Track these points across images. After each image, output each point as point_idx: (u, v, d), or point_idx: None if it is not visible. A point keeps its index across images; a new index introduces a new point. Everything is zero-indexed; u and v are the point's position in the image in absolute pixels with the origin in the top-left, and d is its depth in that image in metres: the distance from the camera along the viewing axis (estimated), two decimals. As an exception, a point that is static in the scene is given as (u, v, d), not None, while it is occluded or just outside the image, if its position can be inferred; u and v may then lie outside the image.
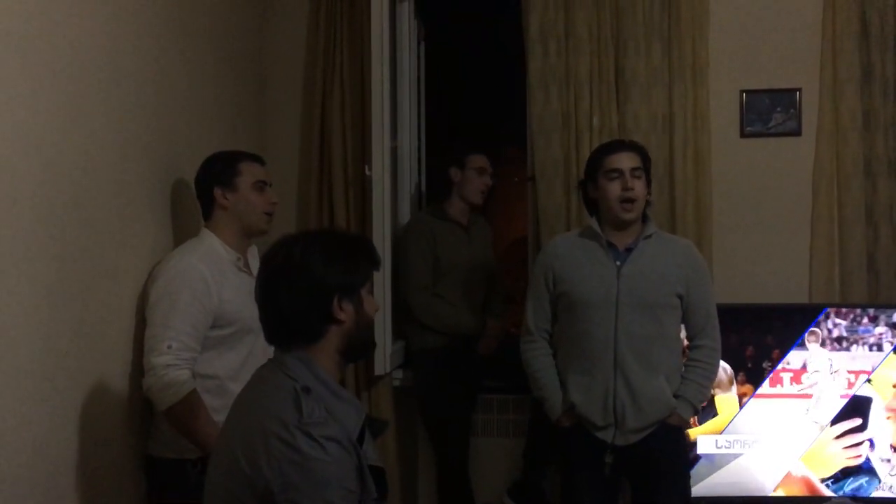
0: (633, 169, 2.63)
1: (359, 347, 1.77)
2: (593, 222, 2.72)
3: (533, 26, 3.47)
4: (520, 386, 3.02)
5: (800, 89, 3.44)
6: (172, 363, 2.24)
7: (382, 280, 3.25)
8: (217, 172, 2.49)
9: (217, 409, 2.28)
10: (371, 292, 1.77)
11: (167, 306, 2.28)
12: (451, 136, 4.48)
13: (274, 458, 1.55)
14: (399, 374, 3.52)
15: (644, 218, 2.70)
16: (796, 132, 3.45)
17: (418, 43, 3.88)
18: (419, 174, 3.87)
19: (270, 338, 1.72)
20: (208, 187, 2.49)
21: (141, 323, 2.37)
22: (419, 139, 3.92)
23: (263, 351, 2.40)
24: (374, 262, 1.77)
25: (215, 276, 2.35)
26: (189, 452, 2.29)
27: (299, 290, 1.66)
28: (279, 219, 3.49)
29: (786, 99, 3.45)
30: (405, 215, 3.64)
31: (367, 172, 3.25)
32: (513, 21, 3.60)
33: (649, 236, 2.68)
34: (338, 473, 1.57)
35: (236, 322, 2.38)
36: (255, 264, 2.57)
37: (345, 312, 1.69)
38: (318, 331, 1.68)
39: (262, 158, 2.61)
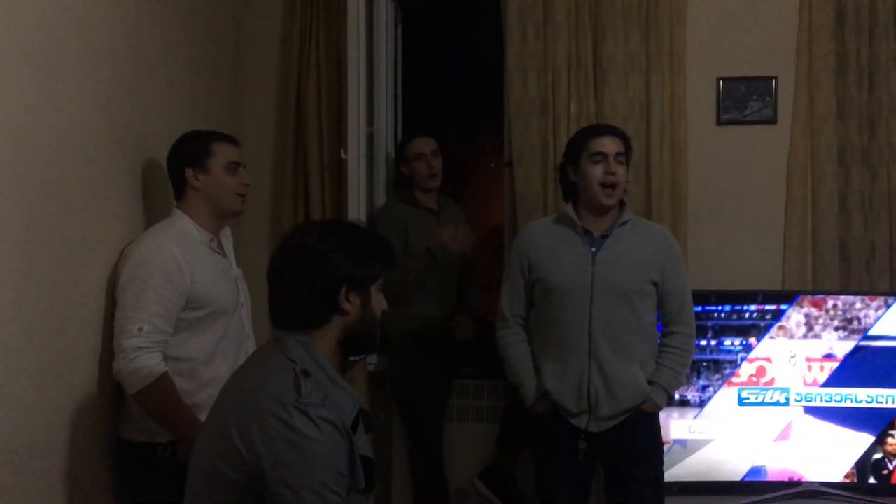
0: (617, 154, 2.63)
1: (359, 342, 1.77)
2: (569, 208, 2.72)
3: (512, 10, 3.45)
4: (495, 372, 3.02)
5: (776, 77, 3.45)
6: (143, 346, 2.21)
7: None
8: (189, 153, 2.44)
9: (189, 392, 2.26)
10: (381, 291, 1.77)
11: (138, 288, 2.25)
12: (433, 122, 4.47)
13: (268, 436, 1.55)
14: (374, 358, 3.51)
15: (621, 204, 2.71)
16: (772, 120, 3.46)
17: (395, 26, 3.85)
18: (397, 159, 3.84)
19: (274, 318, 1.73)
20: (180, 168, 2.44)
21: (111, 305, 2.34)
22: (396, 124, 3.90)
23: (238, 333, 2.40)
24: (389, 263, 1.78)
25: (187, 258, 2.32)
26: (159, 436, 2.27)
27: (309, 274, 1.68)
28: (253, 201, 3.46)
29: (762, 87, 3.46)
30: (381, 200, 3.61)
31: (343, 156, 3.23)
32: (492, 4, 3.57)
33: (625, 223, 2.68)
34: (331, 455, 1.58)
35: (209, 304, 2.35)
36: (228, 245, 2.54)
37: (351, 304, 1.70)
38: (321, 317, 1.70)
39: (235, 139, 2.57)
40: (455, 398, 3.59)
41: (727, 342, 3.14)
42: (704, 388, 3.14)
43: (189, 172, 2.43)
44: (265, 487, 1.54)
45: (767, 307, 3.15)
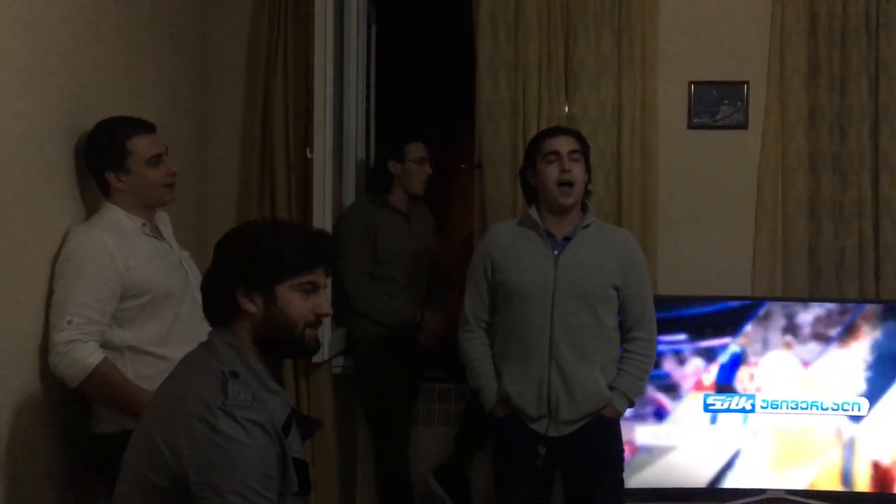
0: (571, 151, 2.62)
1: (275, 346, 1.71)
2: (532, 211, 2.69)
3: (483, 11, 3.43)
4: (461, 376, 2.99)
5: (747, 82, 3.44)
6: (75, 338, 2.16)
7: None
8: (105, 155, 2.34)
9: (151, 376, 2.21)
10: (302, 291, 1.69)
11: (69, 280, 2.20)
12: (404, 124, 4.43)
13: (193, 439, 1.52)
14: (340, 361, 3.47)
15: (583, 207, 2.68)
16: (743, 125, 3.45)
17: (369, 26, 3.81)
18: (367, 160, 3.81)
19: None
20: (99, 172, 2.35)
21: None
22: (369, 124, 3.86)
23: (193, 316, 2.32)
24: (309, 263, 1.69)
25: (121, 245, 2.26)
26: (131, 423, 2.21)
27: (213, 271, 1.71)
28: (219, 200, 3.46)
29: (733, 92, 3.44)
30: (350, 201, 3.57)
31: (309, 155, 3.20)
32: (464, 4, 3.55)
33: (587, 226, 2.66)
34: (258, 458, 1.54)
35: (150, 289, 2.29)
36: (166, 231, 2.50)
37: (253, 305, 1.66)
38: (225, 315, 1.69)
39: (150, 125, 2.40)
40: (421, 402, 3.56)
41: (694, 347, 3.12)
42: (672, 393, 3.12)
43: (110, 175, 2.33)
44: (190, 492, 1.51)
45: (735, 313, 3.13)
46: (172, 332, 2.32)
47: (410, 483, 3.41)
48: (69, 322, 2.16)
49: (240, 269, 1.66)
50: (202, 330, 2.26)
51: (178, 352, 2.09)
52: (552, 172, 2.60)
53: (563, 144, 2.62)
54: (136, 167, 2.34)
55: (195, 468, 1.50)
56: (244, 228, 1.76)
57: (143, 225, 2.37)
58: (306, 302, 1.69)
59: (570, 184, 2.59)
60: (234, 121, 3.51)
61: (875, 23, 3.35)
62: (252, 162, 3.43)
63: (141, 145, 2.34)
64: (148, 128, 2.40)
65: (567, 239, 2.65)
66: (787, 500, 3.14)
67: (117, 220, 2.33)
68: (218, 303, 1.69)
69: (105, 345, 2.25)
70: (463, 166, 4.83)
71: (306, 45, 3.34)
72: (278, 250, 1.67)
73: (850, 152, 3.38)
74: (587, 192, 2.69)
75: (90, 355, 2.17)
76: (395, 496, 3.40)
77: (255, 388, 1.61)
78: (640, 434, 3.12)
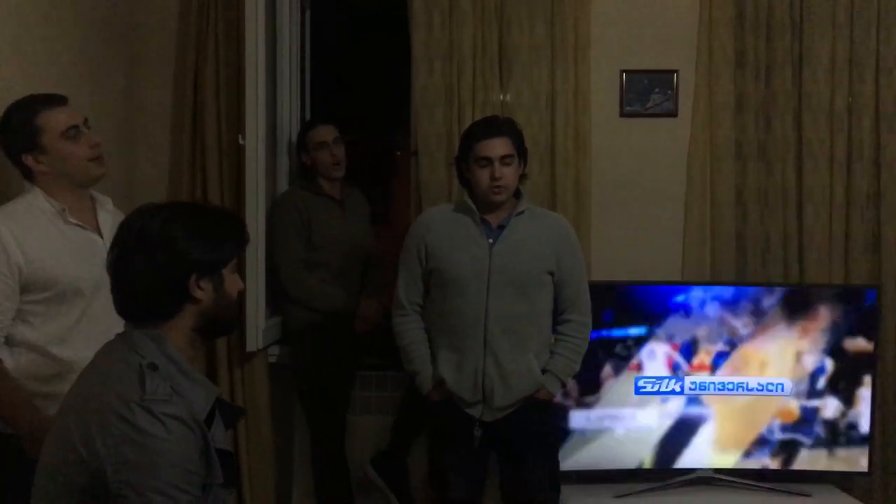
0: (504, 157, 2.62)
1: (217, 327, 1.68)
2: (468, 197, 2.70)
3: (418, -4, 3.42)
4: (399, 363, 2.98)
5: (677, 71, 3.50)
6: None
7: (256, 254, 3.17)
8: (17, 138, 2.19)
9: (47, 378, 2.13)
10: (236, 271, 1.68)
11: None
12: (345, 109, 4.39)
13: (110, 436, 1.47)
14: (276, 350, 3.44)
15: (517, 193, 2.70)
16: (673, 113, 3.51)
17: (303, 11, 3.77)
18: (297, 148, 3.77)
19: (120, 310, 1.63)
20: (17, 157, 2.20)
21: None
22: (303, 110, 3.82)
23: (106, 316, 2.21)
24: (242, 241, 1.69)
25: (23, 236, 2.11)
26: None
27: (154, 264, 1.57)
28: (149, 190, 3.37)
29: (663, 80, 3.50)
30: (284, 188, 3.53)
31: (241, 142, 3.15)
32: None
33: (521, 212, 2.68)
34: (178, 453, 1.49)
35: (54, 284, 2.14)
36: (106, 218, 2.32)
37: (203, 291, 1.61)
38: (171, 308, 1.60)
39: (61, 97, 2.23)
40: (358, 390, 3.55)
41: (625, 331, 3.17)
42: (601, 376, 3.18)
43: (28, 158, 2.17)
44: (108, 490, 1.46)
45: (665, 297, 3.19)
46: (76, 331, 2.17)
47: (348, 472, 3.40)
48: None
49: (190, 258, 1.58)
50: (118, 328, 2.18)
51: (80, 353, 2.01)
52: (484, 177, 2.62)
53: (496, 149, 2.61)
54: (52, 143, 2.17)
55: (113, 466, 1.45)
56: (170, 217, 1.62)
57: (63, 210, 2.20)
58: (235, 281, 1.68)
59: (501, 186, 2.61)
60: (163, 105, 3.42)
61: (799, 14, 3.44)
62: (182, 147, 3.36)
63: (52, 119, 2.17)
64: (59, 100, 2.22)
65: (501, 226, 2.66)
66: (715, 479, 3.22)
67: (33, 205, 2.18)
68: (163, 297, 1.59)
69: (9, 340, 2.13)
70: (399, 153, 4.80)
71: (238, 29, 3.28)
72: (222, 233, 1.64)
73: (774, 140, 3.47)
74: (522, 177, 2.71)
75: None
76: (332, 485, 3.38)
77: (175, 380, 1.55)
78: (574, 417, 3.17)
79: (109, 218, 2.32)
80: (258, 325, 3.21)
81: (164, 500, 1.46)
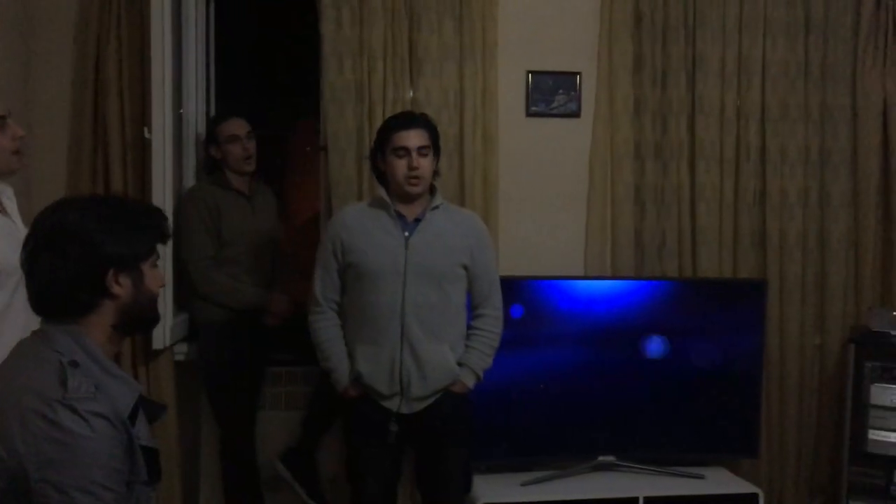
0: (420, 147, 2.67)
1: (136, 323, 1.66)
2: (382, 192, 2.74)
3: (327, -8, 3.41)
4: (309, 358, 2.99)
5: (580, 73, 3.62)
6: None
7: (163, 250, 3.09)
8: None
9: None
10: (156, 265, 1.66)
11: None
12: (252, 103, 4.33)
13: (31, 435, 1.44)
14: (183, 347, 3.38)
15: (432, 189, 2.76)
16: (576, 114, 3.63)
17: (207, 2, 3.70)
18: (206, 141, 3.70)
19: (36, 307, 1.59)
20: None
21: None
22: (209, 104, 3.75)
23: (26, 307, 2.17)
24: (161, 234, 1.66)
25: None
26: None
27: (70, 259, 1.53)
28: (48, 184, 3.24)
29: (567, 82, 3.62)
30: (190, 183, 3.47)
31: (147, 135, 3.07)
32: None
33: (436, 207, 2.74)
34: (103, 451, 1.48)
35: None
36: (11, 206, 2.30)
37: (121, 287, 1.58)
38: (88, 304, 1.56)
39: None
40: (269, 386, 3.53)
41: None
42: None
43: None
44: (30, 490, 1.43)
45: (571, 292, 3.31)
46: (6, 320, 2.13)
47: (257, 467, 3.39)
48: None
49: (105, 251, 1.55)
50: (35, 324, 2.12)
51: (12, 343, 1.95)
52: (401, 167, 2.66)
53: (413, 139, 2.66)
54: None
55: (35, 466, 1.43)
56: (85, 210, 1.58)
57: None
58: (157, 276, 1.66)
59: (418, 177, 2.66)
60: (61, 95, 3.28)
61: (692, 21, 3.63)
62: (83, 140, 3.24)
63: None
64: None
65: (417, 220, 2.71)
66: (616, 464, 3.38)
67: None
68: (80, 294, 1.55)
69: None
70: (308, 149, 4.77)
71: (142, 19, 3.20)
72: (140, 226, 1.61)
73: (670, 141, 3.65)
74: (435, 173, 2.76)
75: None
76: (241, 482, 3.36)
77: (97, 377, 1.53)
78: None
79: (13, 205, 2.31)
80: (165, 322, 3.15)
81: (88, 499, 1.44)
